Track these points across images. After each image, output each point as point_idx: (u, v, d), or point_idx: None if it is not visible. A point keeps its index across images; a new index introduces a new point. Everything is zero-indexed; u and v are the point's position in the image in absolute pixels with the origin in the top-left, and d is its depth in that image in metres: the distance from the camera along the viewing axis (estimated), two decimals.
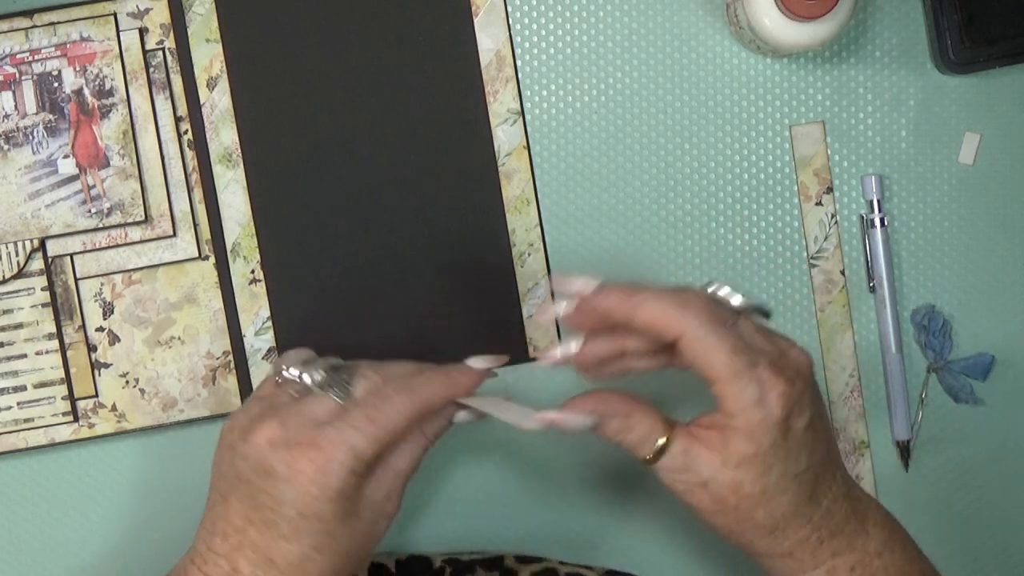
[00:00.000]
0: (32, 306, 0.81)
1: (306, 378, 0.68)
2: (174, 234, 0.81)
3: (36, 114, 0.80)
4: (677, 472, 0.66)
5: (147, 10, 0.81)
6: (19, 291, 0.81)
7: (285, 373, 0.69)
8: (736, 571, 0.82)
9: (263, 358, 0.81)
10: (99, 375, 0.81)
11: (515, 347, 0.82)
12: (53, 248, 0.81)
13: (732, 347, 0.64)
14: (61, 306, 0.81)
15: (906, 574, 0.69)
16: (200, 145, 0.81)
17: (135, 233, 0.81)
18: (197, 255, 0.81)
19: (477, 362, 0.71)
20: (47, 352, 0.81)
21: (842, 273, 0.82)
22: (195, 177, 0.81)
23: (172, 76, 0.81)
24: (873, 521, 0.69)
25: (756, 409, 0.64)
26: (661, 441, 0.66)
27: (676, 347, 0.66)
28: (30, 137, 0.81)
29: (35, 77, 0.80)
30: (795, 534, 0.67)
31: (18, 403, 0.81)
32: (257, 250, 0.81)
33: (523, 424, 0.67)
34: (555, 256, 0.82)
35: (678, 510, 0.82)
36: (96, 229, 0.81)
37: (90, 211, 0.81)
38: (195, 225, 0.81)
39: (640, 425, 0.66)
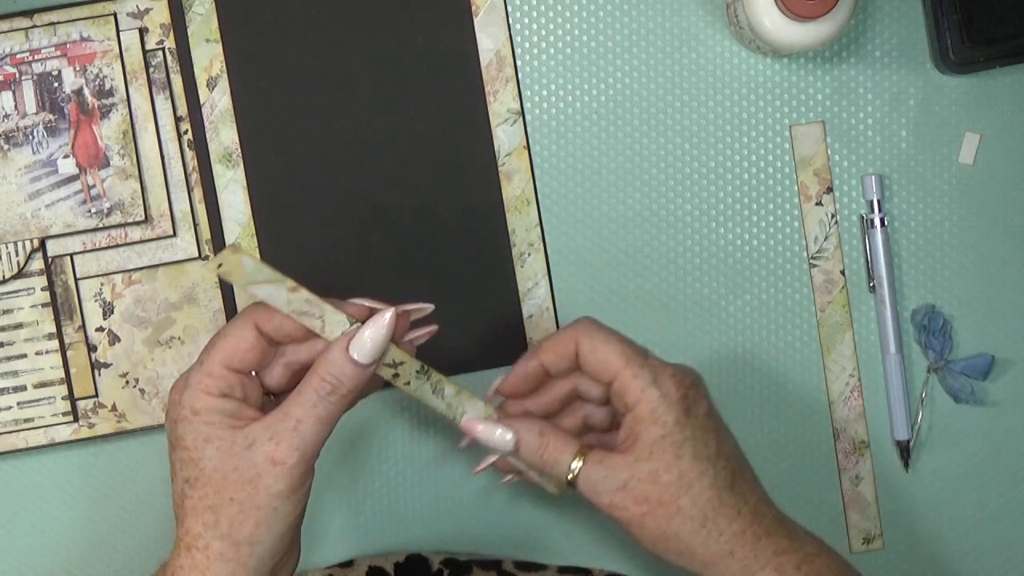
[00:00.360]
0: (32, 306, 0.81)
1: None
2: (174, 234, 0.81)
3: (36, 114, 0.81)
4: (597, 483, 0.68)
5: (147, 10, 0.81)
6: (19, 291, 0.81)
7: None
8: None
9: None
10: (99, 375, 0.81)
11: (515, 347, 0.82)
12: (53, 248, 0.81)
13: (622, 342, 0.69)
14: (61, 306, 0.81)
15: (845, 571, 0.70)
16: (200, 145, 0.81)
17: (135, 233, 0.81)
18: (197, 255, 0.81)
19: (363, 300, 0.69)
20: (47, 352, 0.81)
21: (842, 273, 0.82)
22: (195, 177, 0.81)
23: (172, 76, 0.81)
24: (803, 532, 0.70)
25: (653, 388, 0.68)
26: (576, 464, 0.68)
27: (580, 363, 0.70)
28: (30, 137, 0.81)
29: (35, 77, 0.80)
30: (728, 526, 0.68)
31: (18, 403, 0.81)
32: (257, 250, 0.81)
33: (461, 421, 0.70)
34: (555, 256, 0.82)
35: None
36: (96, 229, 0.81)
37: (90, 211, 0.81)
38: (195, 225, 0.81)
39: (555, 440, 0.69)
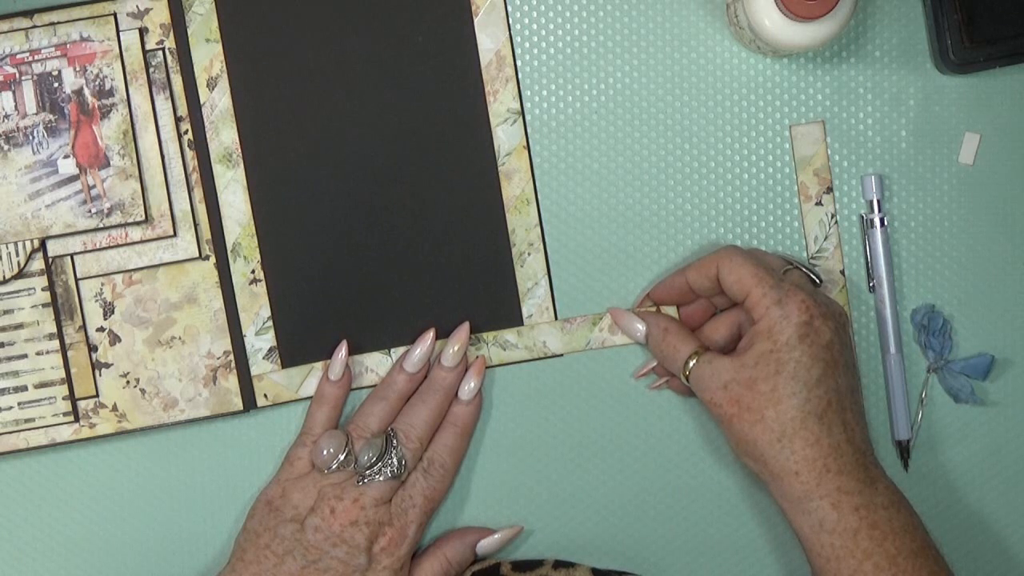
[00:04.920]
0: (32, 306, 0.81)
1: (364, 459, 0.77)
2: (174, 234, 0.81)
3: (36, 114, 0.81)
4: (704, 379, 0.75)
5: (147, 10, 0.81)
6: (19, 291, 0.81)
7: (329, 457, 0.77)
8: (735, 571, 0.82)
9: (263, 358, 0.81)
10: (100, 375, 0.81)
11: None
12: (53, 248, 0.81)
13: (758, 265, 0.75)
14: (61, 306, 0.81)
15: (909, 530, 0.73)
16: (200, 145, 0.81)
17: (135, 233, 0.81)
18: (197, 255, 0.81)
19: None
20: (48, 352, 0.81)
21: (842, 273, 0.82)
22: (195, 177, 0.81)
23: (172, 76, 0.81)
24: (883, 485, 0.74)
25: (776, 308, 0.73)
26: (692, 363, 0.75)
27: (719, 282, 0.76)
28: (30, 137, 0.81)
29: (35, 77, 0.80)
30: (801, 449, 0.72)
31: (19, 403, 0.81)
32: (257, 250, 0.81)
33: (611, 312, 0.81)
34: (555, 256, 0.82)
35: (680, 511, 0.82)
36: (96, 229, 0.81)
37: (90, 211, 0.81)
38: (195, 225, 0.81)
39: (675, 338, 0.77)
